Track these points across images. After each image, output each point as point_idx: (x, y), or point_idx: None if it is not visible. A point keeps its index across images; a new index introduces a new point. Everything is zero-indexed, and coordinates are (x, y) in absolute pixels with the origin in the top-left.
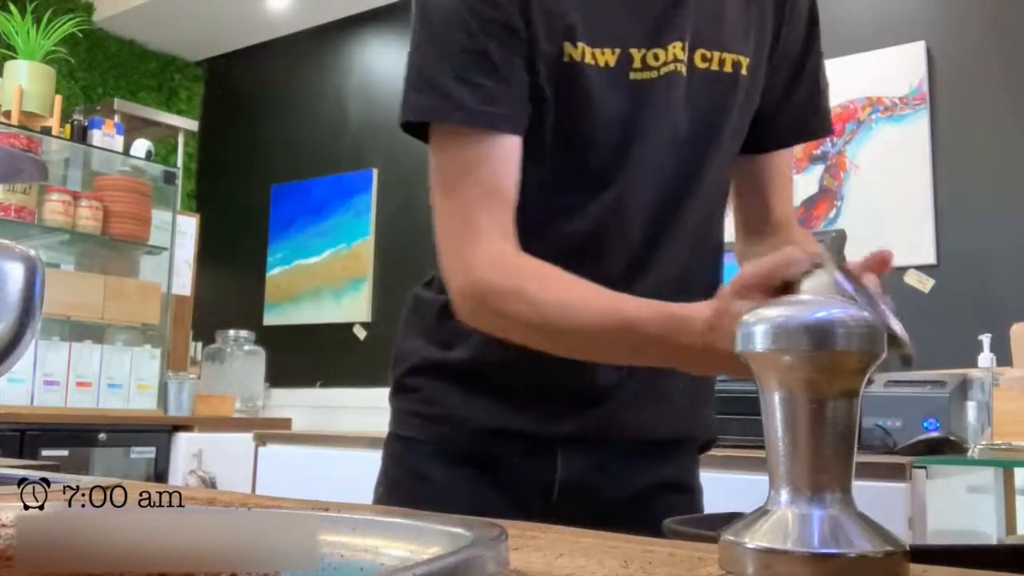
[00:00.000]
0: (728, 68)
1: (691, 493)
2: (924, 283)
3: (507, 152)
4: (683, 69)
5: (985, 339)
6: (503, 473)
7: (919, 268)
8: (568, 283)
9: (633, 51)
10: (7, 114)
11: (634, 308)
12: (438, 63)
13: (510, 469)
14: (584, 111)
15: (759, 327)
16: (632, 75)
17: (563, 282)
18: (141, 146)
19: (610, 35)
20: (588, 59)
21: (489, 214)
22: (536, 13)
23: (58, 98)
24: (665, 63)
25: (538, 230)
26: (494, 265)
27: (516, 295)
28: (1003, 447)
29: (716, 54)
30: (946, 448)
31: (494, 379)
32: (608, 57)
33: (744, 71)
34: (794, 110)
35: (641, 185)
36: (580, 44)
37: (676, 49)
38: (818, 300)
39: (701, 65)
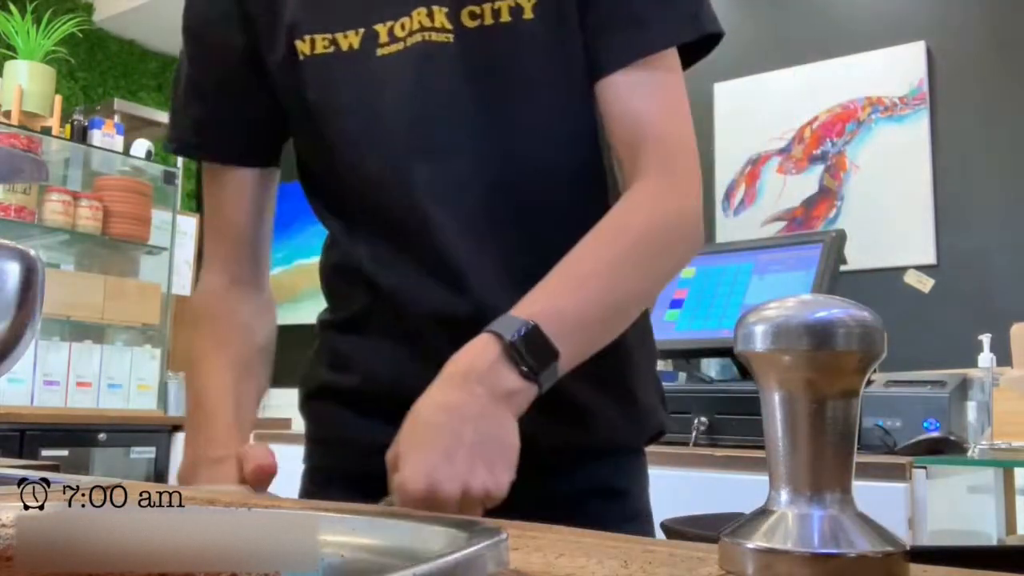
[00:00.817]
0: (505, 17)
1: (621, 496)
2: (924, 283)
3: (232, 184)
4: (446, 36)
5: (985, 339)
6: None
7: (919, 268)
8: (204, 345)
9: (379, 27)
10: (7, 114)
11: (206, 409)
12: (175, 90)
13: None
14: (336, 101)
15: (759, 327)
16: (379, 51)
17: (204, 342)
18: (141, 146)
19: (345, 17)
20: (324, 48)
21: (212, 244)
22: (259, 23)
23: (58, 98)
24: (412, 32)
25: (367, 210)
26: (200, 293)
27: (193, 326)
28: (1003, 447)
29: (486, 6)
30: (946, 448)
31: (385, 400)
32: (352, 39)
33: (528, 14)
34: (615, 22)
35: (437, 165)
36: (307, 37)
37: (421, 16)
38: (818, 300)
39: (471, 24)
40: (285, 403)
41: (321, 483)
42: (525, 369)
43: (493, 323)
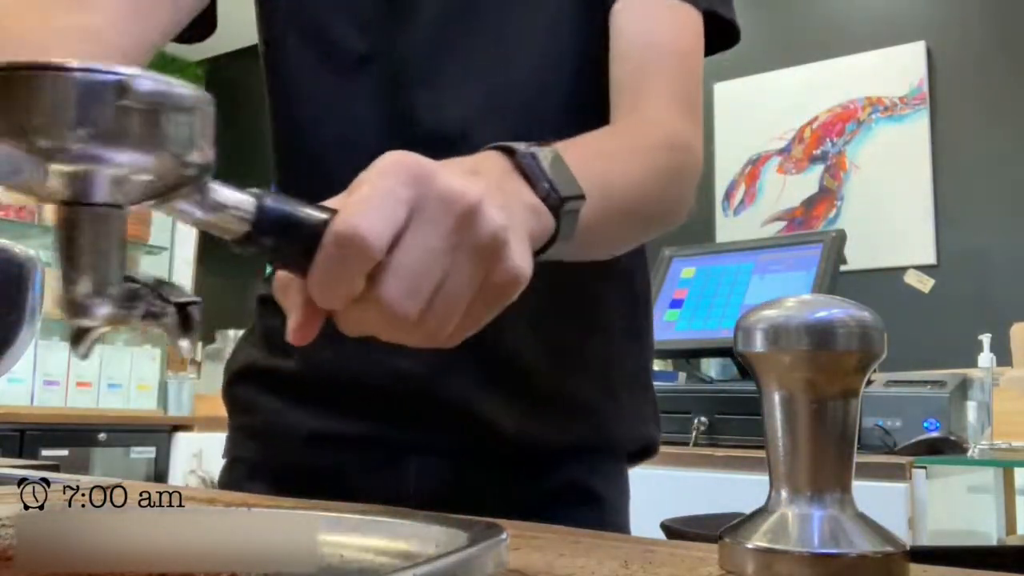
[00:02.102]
0: None
1: (596, 503)
2: (924, 283)
3: None
4: None
5: (985, 339)
6: (340, 488)
7: (919, 268)
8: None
9: None
10: None
11: None
12: None
13: (347, 483)
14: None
15: (759, 327)
16: None
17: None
18: None
19: None
20: None
21: None
22: None
23: None
24: None
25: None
26: None
27: None
28: (1003, 447)
29: None
30: (946, 448)
31: (326, 387)
32: None
33: None
34: None
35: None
36: None
37: None
38: (818, 300)
39: None
40: None
41: (242, 477)
42: (546, 186)
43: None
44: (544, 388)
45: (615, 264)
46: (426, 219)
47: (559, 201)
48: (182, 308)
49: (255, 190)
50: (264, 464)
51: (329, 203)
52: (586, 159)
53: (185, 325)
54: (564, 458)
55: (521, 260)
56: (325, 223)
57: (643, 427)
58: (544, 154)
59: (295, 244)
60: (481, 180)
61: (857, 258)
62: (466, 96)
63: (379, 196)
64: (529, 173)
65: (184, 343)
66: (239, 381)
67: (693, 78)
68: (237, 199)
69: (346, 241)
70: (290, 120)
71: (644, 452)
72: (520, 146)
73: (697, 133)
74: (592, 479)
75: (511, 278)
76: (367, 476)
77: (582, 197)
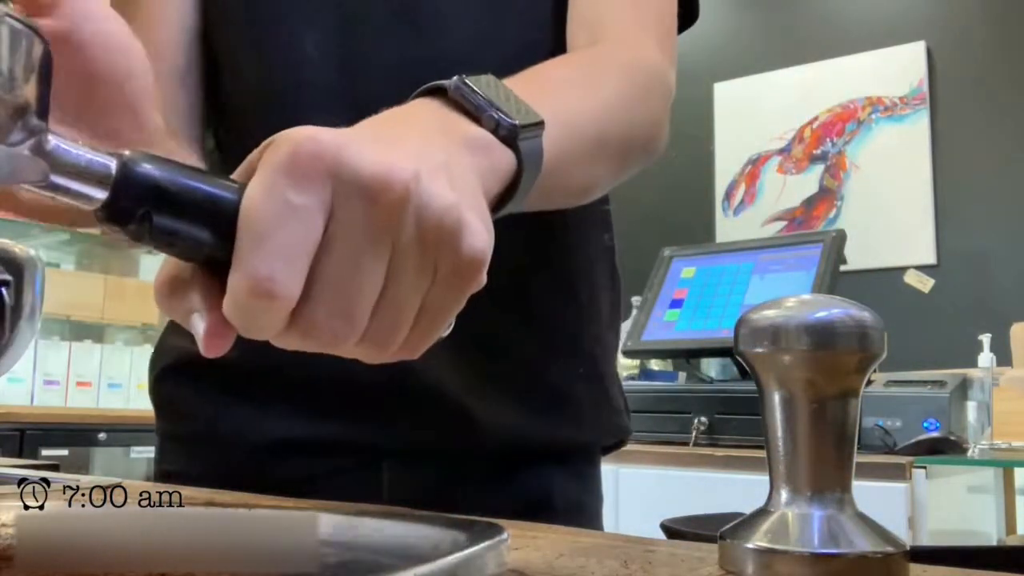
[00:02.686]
0: None
1: (576, 512)
2: (924, 283)
3: None
4: None
5: (985, 339)
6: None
7: (919, 268)
8: None
9: None
10: None
11: None
12: None
13: (317, 496)
14: None
15: (759, 327)
16: None
17: None
18: None
19: None
20: None
21: None
22: None
23: None
24: None
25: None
26: None
27: None
28: (1003, 447)
29: None
30: (946, 448)
31: (281, 381)
32: None
33: None
34: None
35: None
36: None
37: None
38: (818, 300)
39: None
40: None
41: None
42: (494, 116)
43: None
44: (531, 378)
45: (599, 239)
46: (346, 223)
47: (513, 128)
48: None
49: (126, 151)
50: (203, 478)
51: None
52: (541, 88)
53: None
54: (547, 458)
55: (478, 238)
56: (215, 200)
57: (621, 418)
58: (481, 82)
59: (178, 219)
60: (411, 139)
61: (857, 258)
62: (457, 36)
63: (281, 219)
64: (469, 107)
65: None
66: (169, 377)
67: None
68: (90, 158)
69: (253, 299)
70: (233, 69)
71: (618, 444)
72: (449, 82)
73: (665, 51)
74: (572, 484)
75: (469, 262)
76: (333, 486)
77: (540, 124)
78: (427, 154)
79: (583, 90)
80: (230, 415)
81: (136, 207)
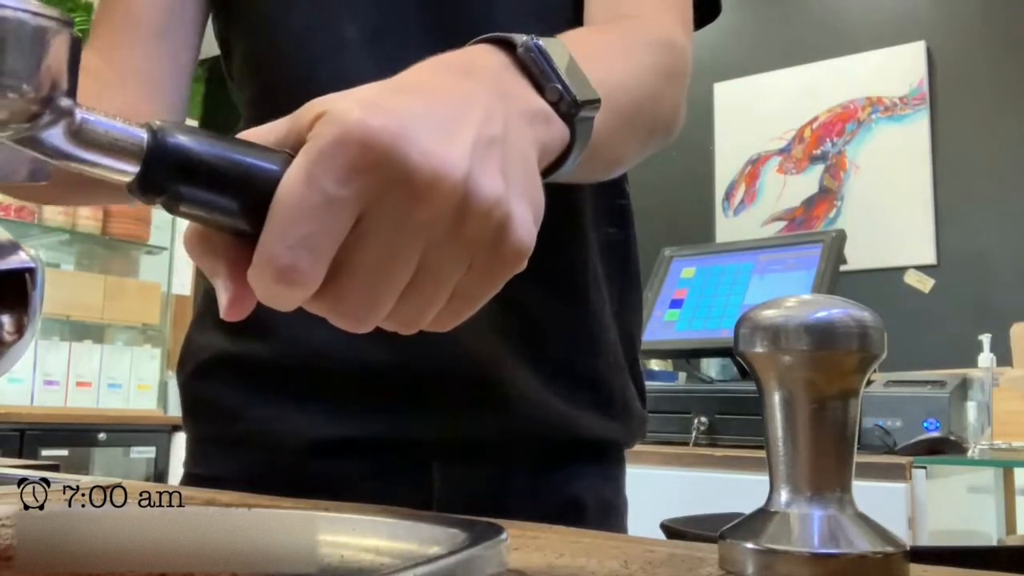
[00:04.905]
0: None
1: (614, 512)
2: (924, 283)
3: None
4: None
5: (985, 339)
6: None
7: (919, 268)
8: None
9: None
10: None
11: None
12: None
13: (358, 499)
14: None
15: (759, 327)
16: None
17: None
18: None
19: None
20: None
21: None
22: None
23: None
24: None
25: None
26: None
27: None
28: (1003, 447)
29: None
30: (946, 448)
31: (306, 376)
32: None
33: None
34: None
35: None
36: None
37: None
38: (818, 300)
39: None
40: None
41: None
42: (558, 88)
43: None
44: (572, 369)
45: (613, 232)
46: (386, 216)
47: (575, 107)
48: (14, 275)
49: (157, 121)
50: (236, 481)
51: (271, 134)
52: (584, 54)
53: (15, 295)
54: (583, 456)
55: (524, 231)
56: (249, 175)
57: (642, 414)
58: (552, 48)
59: (210, 192)
60: (471, 108)
61: (857, 258)
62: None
63: (316, 211)
64: (536, 72)
65: (5, 317)
66: (201, 376)
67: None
68: (121, 131)
69: (274, 284)
70: (261, 49)
71: (640, 439)
72: (521, 38)
73: (686, 33)
74: (606, 485)
75: (513, 254)
76: (374, 487)
77: (597, 102)
78: (485, 131)
79: (622, 62)
80: (264, 414)
81: (168, 180)
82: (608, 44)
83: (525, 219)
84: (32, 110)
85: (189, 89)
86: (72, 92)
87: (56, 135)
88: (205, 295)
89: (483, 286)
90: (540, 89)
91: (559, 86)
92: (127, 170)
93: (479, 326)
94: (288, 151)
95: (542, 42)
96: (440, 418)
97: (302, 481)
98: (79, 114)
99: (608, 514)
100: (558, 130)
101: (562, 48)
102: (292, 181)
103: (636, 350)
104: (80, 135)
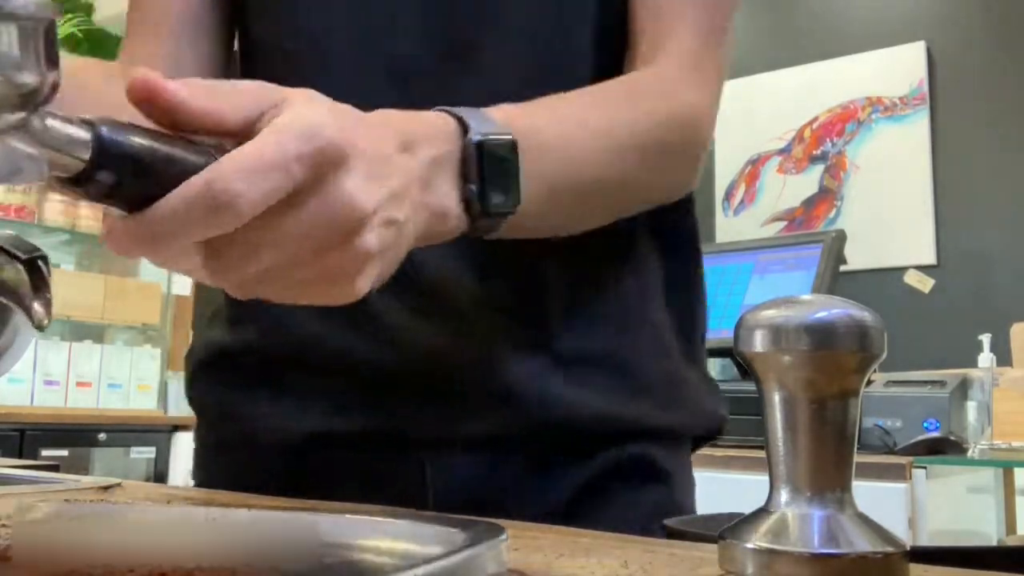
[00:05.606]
0: None
1: (662, 480)
2: (924, 283)
3: None
4: None
5: (985, 339)
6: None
7: (919, 268)
8: None
9: None
10: None
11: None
12: None
13: (351, 499)
14: None
15: (759, 327)
16: None
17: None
18: None
19: None
20: None
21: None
22: None
23: None
24: None
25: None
26: None
27: None
28: (1003, 447)
29: None
30: (946, 448)
31: (313, 367)
32: None
33: None
34: None
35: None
36: None
37: None
38: (818, 300)
39: None
40: None
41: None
42: (473, 189)
43: (459, 108)
44: (601, 354)
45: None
46: (303, 211)
47: (480, 213)
48: (31, 263)
49: (98, 117)
50: (236, 484)
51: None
52: (561, 132)
53: (37, 280)
54: (621, 437)
55: (362, 286)
56: (180, 166)
57: (708, 402)
58: (498, 145)
59: (143, 184)
60: (401, 170)
61: (857, 258)
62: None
63: (275, 162)
64: (466, 170)
65: (37, 306)
66: (201, 376)
67: (715, 36)
68: (71, 129)
69: (207, 206)
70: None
71: (711, 433)
72: (475, 123)
73: (713, 101)
74: (659, 454)
75: (340, 296)
76: (370, 488)
77: (511, 211)
78: (392, 206)
79: (604, 146)
80: (263, 409)
81: (104, 173)
82: (605, 122)
83: (370, 276)
84: (9, 103)
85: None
86: (52, 95)
87: (22, 134)
88: (215, 312)
89: (304, 294)
90: (464, 180)
91: (475, 188)
92: (71, 166)
93: (479, 307)
94: (211, 147)
95: (490, 139)
96: (435, 411)
97: (293, 479)
98: (42, 111)
99: (665, 484)
100: (452, 226)
101: (506, 147)
102: (264, 142)
103: (694, 332)
104: (38, 133)
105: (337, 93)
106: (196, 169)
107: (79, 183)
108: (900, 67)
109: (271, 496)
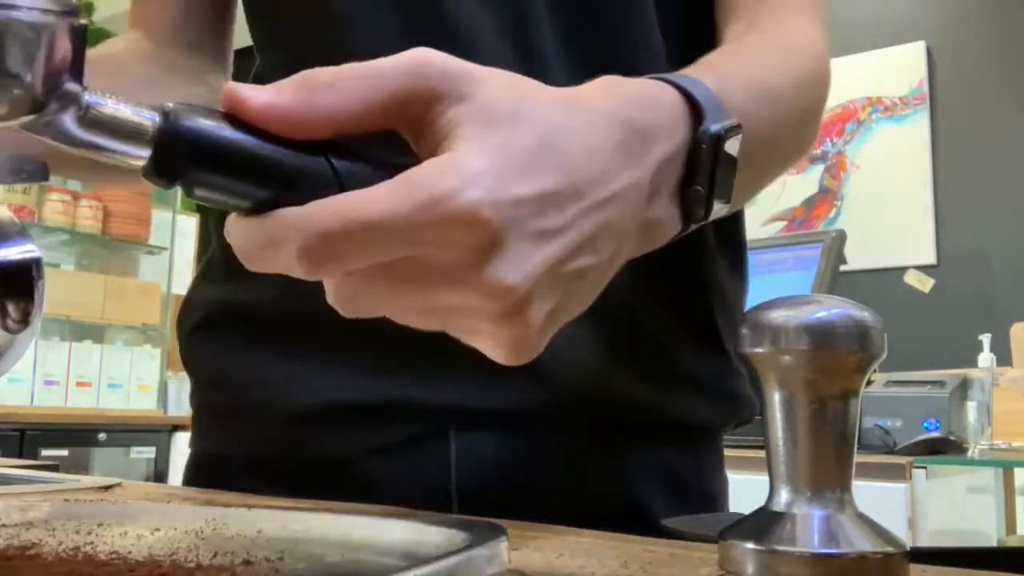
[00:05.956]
0: None
1: (702, 498)
2: (924, 283)
3: None
4: None
5: (985, 339)
6: (359, 484)
7: (919, 268)
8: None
9: None
10: None
11: None
12: None
13: (369, 475)
14: None
15: (758, 327)
16: None
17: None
18: None
19: None
20: None
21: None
22: None
23: None
24: None
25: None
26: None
27: None
28: (1003, 447)
29: None
30: (946, 448)
31: (325, 330)
32: None
33: None
34: None
35: None
36: None
37: None
38: (818, 300)
39: None
40: None
41: (209, 476)
42: (701, 191)
43: (675, 76)
44: (644, 339)
45: None
46: (434, 280)
47: (704, 215)
48: (21, 266)
49: (170, 104)
50: (240, 457)
51: (380, 80)
52: (752, 98)
53: (21, 285)
54: (657, 425)
55: (535, 348)
56: (263, 158)
57: (739, 385)
58: (728, 136)
59: (229, 178)
60: (593, 211)
61: (857, 258)
62: None
63: (378, 234)
64: (694, 166)
65: (11, 306)
66: (200, 336)
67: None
68: (132, 114)
69: (290, 254)
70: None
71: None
72: (711, 110)
73: (824, 34)
74: (693, 467)
75: (513, 360)
76: (390, 461)
77: (727, 203)
78: (581, 262)
79: (788, 108)
80: (268, 375)
81: (182, 165)
82: (782, 82)
83: (544, 338)
84: (37, 100)
85: (224, 31)
86: (78, 77)
87: (65, 121)
88: (209, 261)
89: (458, 333)
90: (688, 180)
91: (702, 189)
92: (139, 155)
93: None
94: (322, 155)
95: (728, 134)
96: (464, 381)
97: (301, 454)
98: (86, 98)
99: (690, 501)
100: (661, 237)
101: (734, 136)
102: (384, 195)
103: (734, 319)
104: (88, 120)
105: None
106: (292, 167)
107: (160, 174)
108: (900, 67)
109: (272, 495)
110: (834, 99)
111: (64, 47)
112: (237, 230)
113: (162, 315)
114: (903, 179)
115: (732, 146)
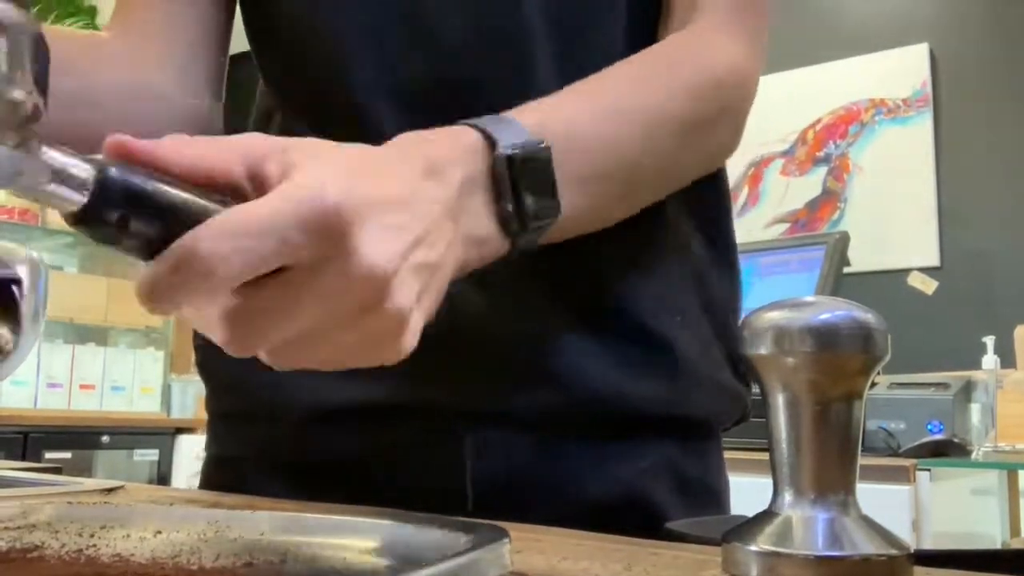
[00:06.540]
0: None
1: (706, 493)
2: (928, 285)
3: None
4: None
5: (989, 341)
6: (375, 484)
7: (923, 270)
8: None
9: None
10: None
11: None
12: None
13: (385, 476)
14: None
15: (762, 329)
16: None
17: None
18: None
19: None
20: None
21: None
22: None
23: None
24: None
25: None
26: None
27: None
28: (1007, 450)
29: None
30: (950, 451)
31: None
32: None
33: None
34: None
35: None
36: None
37: None
38: (822, 302)
39: None
40: None
41: (225, 479)
42: (510, 208)
43: (483, 118)
44: (650, 336)
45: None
46: (311, 277)
47: (520, 229)
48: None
49: (100, 157)
50: (253, 459)
51: (223, 160)
52: (598, 124)
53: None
54: (659, 431)
55: (409, 341)
56: (190, 209)
57: (730, 378)
58: (530, 156)
59: (147, 226)
60: (425, 209)
61: (860, 260)
62: None
63: (266, 228)
64: (499, 188)
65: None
66: (212, 344)
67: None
68: (73, 162)
69: (187, 270)
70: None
71: (740, 419)
72: (502, 134)
73: (757, 53)
74: (686, 459)
75: (389, 356)
76: (407, 462)
77: (552, 222)
78: (421, 252)
79: (646, 124)
80: (282, 378)
81: (111, 213)
82: (646, 95)
83: (416, 330)
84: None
85: (213, 41)
86: (37, 118)
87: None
88: None
89: (351, 359)
90: (496, 202)
91: (510, 207)
92: (74, 199)
93: (531, 277)
94: (222, 198)
95: (520, 152)
96: (478, 384)
97: (314, 457)
98: (35, 140)
99: (696, 497)
100: (492, 249)
101: (540, 158)
102: (258, 205)
103: (727, 315)
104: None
105: (380, 73)
106: (203, 211)
107: (85, 223)
108: (903, 69)
109: (288, 497)
110: (837, 101)
111: (34, 80)
112: (145, 274)
113: (165, 318)
114: (907, 181)
115: (533, 160)
